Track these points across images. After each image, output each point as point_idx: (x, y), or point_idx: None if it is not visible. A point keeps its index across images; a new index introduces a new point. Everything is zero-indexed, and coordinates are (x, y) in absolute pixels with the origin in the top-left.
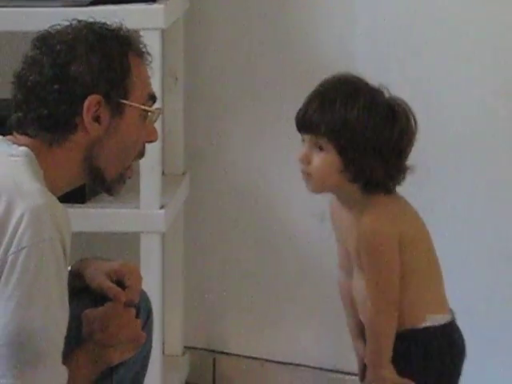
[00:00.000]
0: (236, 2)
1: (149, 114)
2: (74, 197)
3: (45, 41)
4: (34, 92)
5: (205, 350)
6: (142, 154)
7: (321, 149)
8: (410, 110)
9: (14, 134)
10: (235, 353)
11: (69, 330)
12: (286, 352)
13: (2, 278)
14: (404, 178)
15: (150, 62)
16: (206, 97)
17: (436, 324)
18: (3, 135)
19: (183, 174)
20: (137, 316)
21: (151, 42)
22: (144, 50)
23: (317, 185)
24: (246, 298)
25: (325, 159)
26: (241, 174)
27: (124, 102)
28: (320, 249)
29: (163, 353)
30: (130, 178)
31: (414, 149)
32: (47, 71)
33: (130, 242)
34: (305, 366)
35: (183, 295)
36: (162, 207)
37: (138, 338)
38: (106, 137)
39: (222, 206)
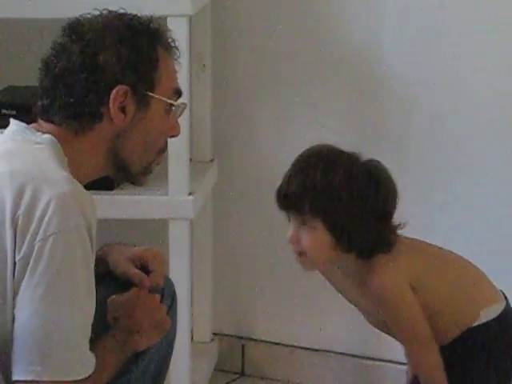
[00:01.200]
0: None
1: (173, 108)
2: (103, 184)
3: (75, 29)
4: (61, 79)
5: (233, 336)
6: (164, 149)
7: (310, 227)
8: (387, 170)
9: (39, 121)
10: (264, 339)
11: (94, 316)
12: (314, 338)
13: (30, 265)
14: (396, 235)
15: (178, 56)
16: (234, 84)
17: (491, 317)
18: (27, 123)
19: (211, 160)
20: (161, 301)
21: (178, 29)
22: (173, 44)
23: (312, 263)
24: (274, 285)
25: (314, 237)
26: (268, 160)
27: (150, 94)
28: None
29: (192, 339)
30: (152, 172)
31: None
32: (76, 59)
33: (158, 229)
34: (333, 352)
35: (212, 282)
36: (190, 194)
37: (164, 323)
38: (131, 128)
39: (249, 192)
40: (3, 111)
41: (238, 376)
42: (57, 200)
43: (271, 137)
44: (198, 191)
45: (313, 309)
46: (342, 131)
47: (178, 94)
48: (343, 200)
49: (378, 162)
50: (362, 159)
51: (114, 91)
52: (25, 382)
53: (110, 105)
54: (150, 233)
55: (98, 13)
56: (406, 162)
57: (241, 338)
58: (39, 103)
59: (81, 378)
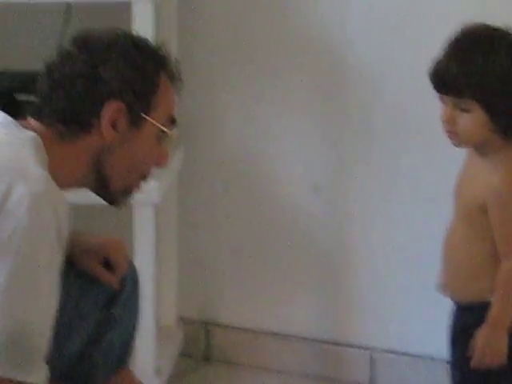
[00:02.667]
0: None
1: (166, 136)
2: None
3: (84, 40)
4: (60, 84)
5: (198, 321)
6: (146, 177)
7: (465, 110)
8: None
9: (28, 118)
10: (229, 324)
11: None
12: (280, 323)
13: None
14: None
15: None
16: (202, 67)
17: None
18: (8, 111)
19: (176, 146)
20: (124, 286)
21: (143, 14)
22: (177, 75)
23: (465, 143)
24: (240, 270)
25: (472, 120)
26: (234, 146)
27: (145, 116)
28: (313, 220)
29: (157, 324)
30: (131, 195)
31: None
32: (78, 67)
33: (123, 214)
34: (298, 337)
35: (177, 267)
36: (155, 179)
37: None
38: (119, 146)
39: (216, 178)
40: None
41: (202, 361)
42: (31, 197)
43: (238, 122)
44: (163, 176)
45: (278, 294)
46: (311, 113)
47: (172, 122)
48: (503, 82)
49: None
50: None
51: (109, 105)
52: None
53: (102, 118)
54: (115, 218)
55: (110, 30)
56: (372, 142)
57: (206, 322)
58: (34, 103)
59: (33, 381)
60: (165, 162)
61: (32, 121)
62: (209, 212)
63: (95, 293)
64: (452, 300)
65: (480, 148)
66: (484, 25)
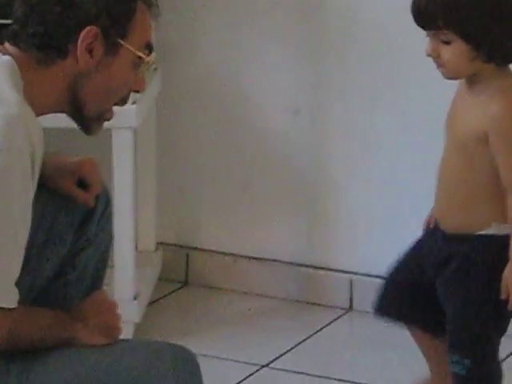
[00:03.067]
0: None
1: (142, 62)
2: None
3: None
4: (35, 9)
5: (178, 245)
6: (124, 101)
7: (446, 42)
8: None
9: (5, 43)
10: (208, 248)
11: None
12: (258, 247)
13: None
14: None
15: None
16: None
17: None
18: None
19: (154, 69)
20: (97, 207)
21: None
22: (154, 3)
23: (452, 75)
24: (218, 194)
25: (454, 52)
26: (211, 69)
27: (121, 42)
28: (294, 144)
29: (136, 249)
30: (109, 120)
31: None
32: None
33: (102, 138)
34: (276, 260)
35: (156, 191)
36: (133, 103)
37: (113, 330)
38: (94, 72)
39: (193, 101)
40: None
41: (181, 285)
42: (4, 120)
43: (216, 46)
44: (141, 100)
45: (257, 219)
46: (290, 37)
47: (149, 49)
48: (475, 9)
49: None
50: None
51: (85, 31)
52: None
53: (78, 43)
54: (95, 143)
55: None
56: (351, 65)
57: (185, 247)
58: (9, 28)
59: (3, 306)
60: (142, 88)
61: (7, 45)
62: (187, 137)
63: (70, 213)
64: (443, 229)
65: (473, 79)
66: None
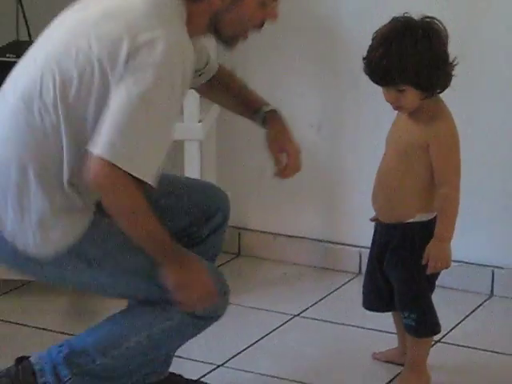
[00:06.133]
0: None
1: (266, 4)
2: None
3: None
4: None
5: (232, 227)
6: (259, 28)
7: (402, 91)
8: (438, 21)
9: None
10: (254, 228)
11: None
12: (291, 228)
13: (132, 71)
14: (453, 71)
15: None
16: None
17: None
18: None
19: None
20: (216, 214)
21: None
22: None
23: (407, 110)
24: (263, 189)
25: (409, 97)
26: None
27: None
28: (317, 152)
29: None
30: (244, 40)
31: None
32: None
33: (175, 148)
34: (306, 238)
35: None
36: (199, 121)
37: (205, 300)
38: (227, 10)
39: (243, 120)
40: None
41: (235, 256)
42: (166, 40)
43: (261, 79)
44: (205, 120)
45: (291, 206)
46: (310, 73)
47: None
48: (422, 64)
49: (430, 18)
50: (419, 21)
51: None
52: (100, 157)
53: None
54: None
55: None
56: (359, 92)
57: (237, 227)
58: None
59: (142, 178)
60: (274, 19)
61: None
62: (240, 147)
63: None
64: (382, 220)
65: (418, 108)
66: (395, 21)
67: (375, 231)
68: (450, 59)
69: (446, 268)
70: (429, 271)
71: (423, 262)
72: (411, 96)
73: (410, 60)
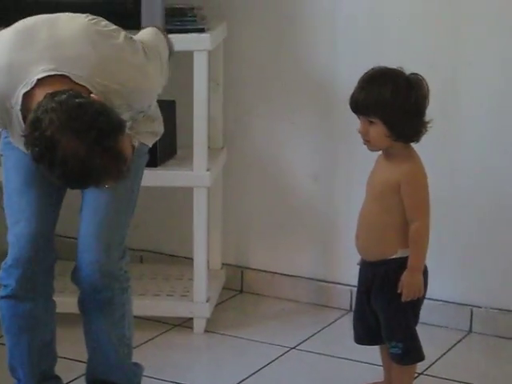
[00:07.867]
0: (259, 34)
1: None
2: (149, 161)
3: None
4: None
5: (235, 266)
6: None
7: (371, 123)
8: (423, 79)
9: None
10: (255, 268)
11: None
12: (288, 268)
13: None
14: (426, 129)
15: None
16: (238, 96)
17: (405, 255)
18: None
19: (222, 148)
20: None
21: (201, 61)
22: None
23: (374, 147)
24: (262, 233)
25: (376, 129)
26: (260, 148)
27: None
28: (313, 199)
29: (208, 268)
30: None
31: None
32: None
33: (185, 195)
34: (302, 277)
35: (222, 229)
36: (207, 170)
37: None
38: None
39: (247, 169)
40: None
41: (238, 293)
42: None
43: (263, 133)
44: (213, 168)
45: (289, 249)
46: (310, 127)
47: None
48: (394, 106)
49: (417, 74)
50: (405, 74)
51: None
52: None
53: None
54: (181, 197)
55: None
56: (354, 146)
57: (240, 266)
58: None
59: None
60: None
61: None
62: (243, 193)
63: None
64: (365, 259)
65: (388, 151)
66: (384, 67)
67: (360, 269)
68: (427, 118)
69: (419, 296)
70: (403, 298)
71: (398, 291)
72: (379, 130)
73: (387, 96)
